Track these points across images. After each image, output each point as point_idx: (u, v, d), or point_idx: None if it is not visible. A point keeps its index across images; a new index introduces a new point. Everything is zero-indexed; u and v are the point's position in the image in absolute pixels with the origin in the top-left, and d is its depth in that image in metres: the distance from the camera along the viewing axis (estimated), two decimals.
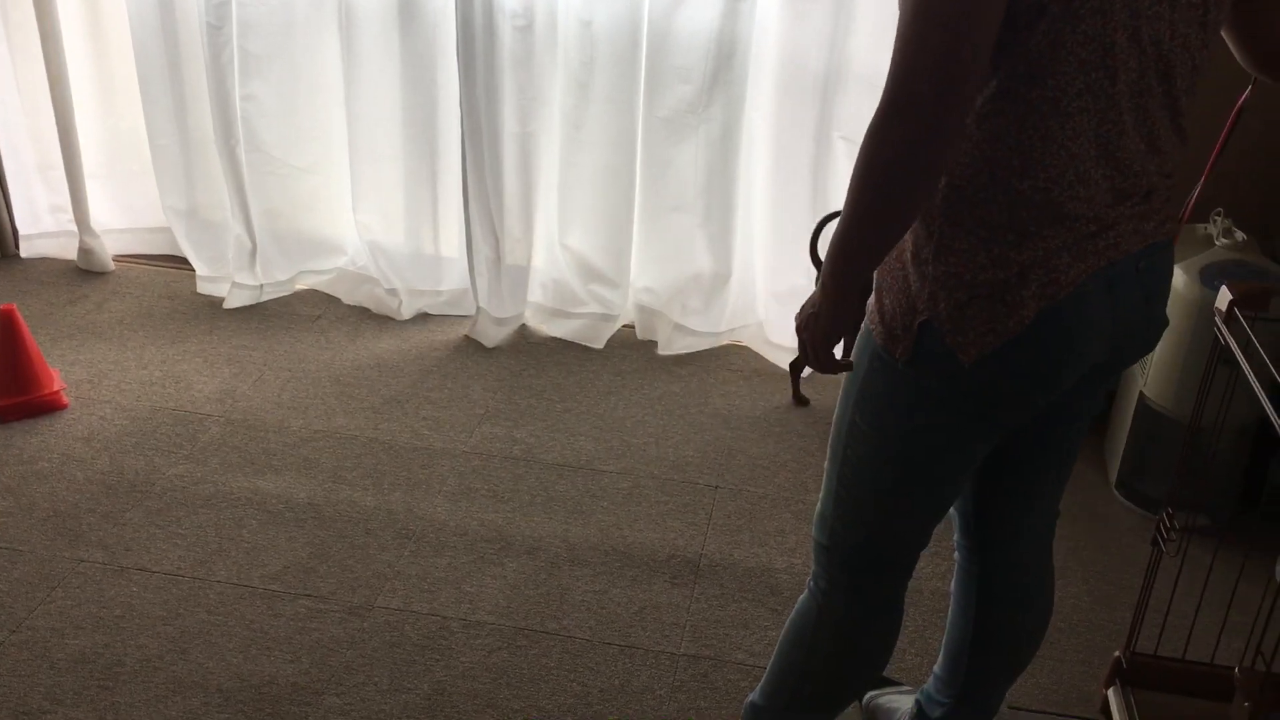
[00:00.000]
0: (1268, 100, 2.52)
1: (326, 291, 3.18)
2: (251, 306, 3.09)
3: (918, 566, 1.54)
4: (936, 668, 1.74)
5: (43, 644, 1.96)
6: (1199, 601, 1.88)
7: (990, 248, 1.20)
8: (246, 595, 2.10)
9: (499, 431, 2.62)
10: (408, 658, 1.98)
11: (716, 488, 2.48)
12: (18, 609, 2.03)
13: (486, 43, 2.68)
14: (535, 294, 3.05)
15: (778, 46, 2.66)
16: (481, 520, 2.32)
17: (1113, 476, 2.54)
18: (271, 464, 2.46)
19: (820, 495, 1.49)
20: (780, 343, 2.94)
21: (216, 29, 2.83)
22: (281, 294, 3.14)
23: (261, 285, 3.10)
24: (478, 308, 2.97)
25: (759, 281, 2.95)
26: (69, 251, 3.28)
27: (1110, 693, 1.89)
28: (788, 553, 2.28)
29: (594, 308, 2.99)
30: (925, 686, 1.77)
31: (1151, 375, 2.38)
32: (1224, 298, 1.62)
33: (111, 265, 3.25)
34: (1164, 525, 1.77)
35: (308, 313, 3.09)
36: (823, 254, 2.28)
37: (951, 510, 1.58)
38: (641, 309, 3.00)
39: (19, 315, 2.58)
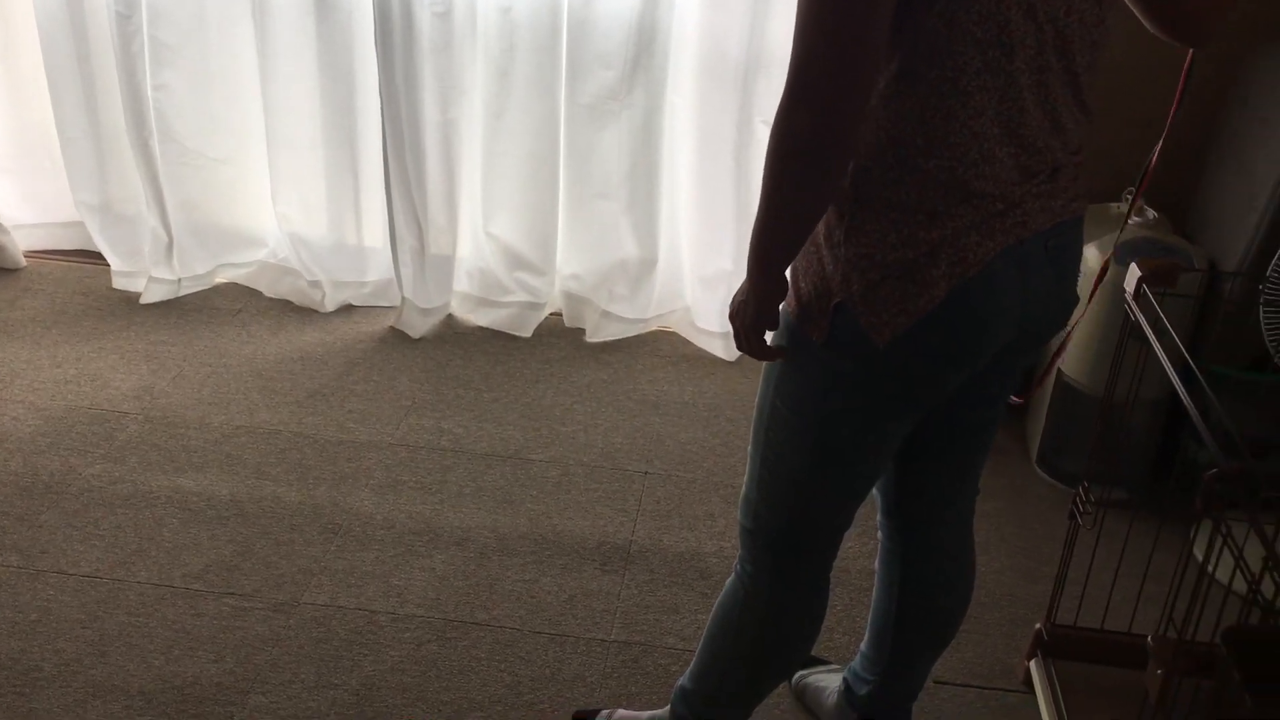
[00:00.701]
0: (1176, 79, 2.58)
1: (247, 285, 3.12)
2: (169, 301, 3.02)
3: (845, 546, 1.56)
4: (863, 646, 1.76)
5: None
6: (1115, 573, 1.93)
7: (900, 228, 1.21)
8: (168, 595, 2.06)
9: (426, 423, 2.60)
10: (335, 653, 1.95)
11: (646, 473, 2.48)
12: None
13: (405, 30, 2.65)
14: (461, 283, 3.02)
15: (698, 32, 2.66)
16: (409, 512, 2.30)
17: (1034, 453, 2.59)
18: (192, 461, 2.42)
19: (744, 479, 1.50)
20: (707, 328, 2.95)
21: (125, 18, 2.76)
22: (200, 288, 3.08)
23: (179, 279, 3.04)
24: (403, 298, 2.94)
25: (685, 267, 2.96)
26: None
27: (1032, 664, 1.93)
28: (717, 536, 2.29)
29: (521, 296, 2.97)
30: (852, 664, 1.80)
31: (1069, 353, 2.42)
32: (1133, 275, 1.66)
33: (23, 262, 3.16)
34: (1080, 499, 1.81)
35: (228, 307, 3.03)
36: None
37: (874, 490, 1.60)
38: (568, 296, 3.00)
39: None
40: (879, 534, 1.68)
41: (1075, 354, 2.40)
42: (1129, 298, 1.67)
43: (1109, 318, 2.32)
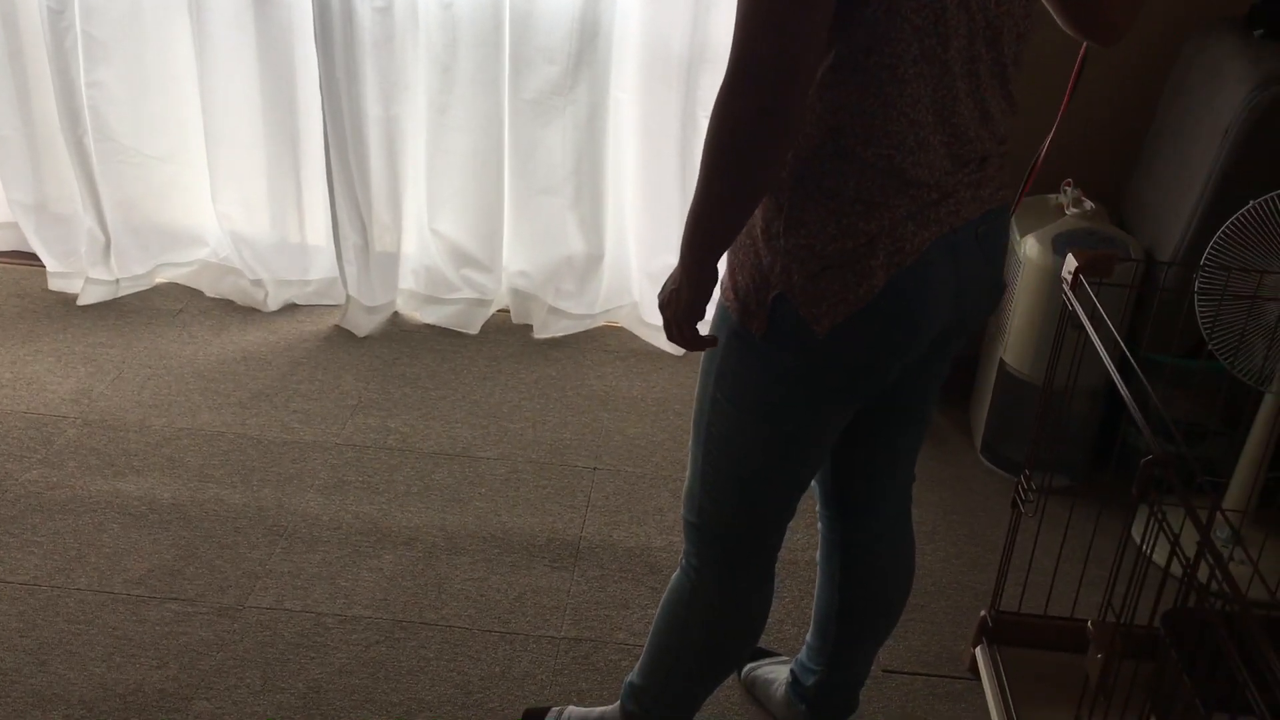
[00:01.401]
0: (1115, 71, 2.62)
1: (188, 284, 3.07)
2: (108, 302, 2.97)
3: (793, 537, 1.57)
4: (808, 636, 1.77)
5: None
6: (1058, 559, 1.95)
7: (840, 219, 1.22)
8: (109, 602, 2.02)
9: (373, 422, 2.58)
10: (281, 657, 1.93)
11: (595, 469, 2.48)
12: None
13: (345, 25, 2.62)
14: (406, 281, 3.00)
15: (640, 27, 2.66)
16: (356, 513, 2.28)
17: (978, 442, 2.62)
18: (133, 465, 2.38)
19: (687, 473, 1.50)
20: (655, 323, 2.94)
21: (58, 14, 2.70)
22: (139, 288, 3.02)
23: (118, 280, 2.98)
24: (347, 297, 2.91)
25: (632, 262, 2.95)
26: None
27: (978, 651, 1.95)
28: (666, 531, 2.30)
29: (467, 293, 2.95)
30: (799, 655, 1.81)
31: (1010, 342, 2.45)
32: (1070, 265, 1.68)
33: None
34: (1022, 486, 1.83)
35: (168, 307, 2.98)
36: None
37: (812, 481, 1.61)
38: (516, 293, 2.98)
39: None
40: (819, 525, 1.69)
41: (1016, 343, 2.44)
42: (1066, 288, 1.69)
43: (1048, 307, 2.35)
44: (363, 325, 2.91)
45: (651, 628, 1.64)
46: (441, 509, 2.31)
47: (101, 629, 1.96)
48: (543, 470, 2.46)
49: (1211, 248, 2.06)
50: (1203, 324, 2.07)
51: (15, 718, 1.79)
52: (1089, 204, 2.45)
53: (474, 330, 2.95)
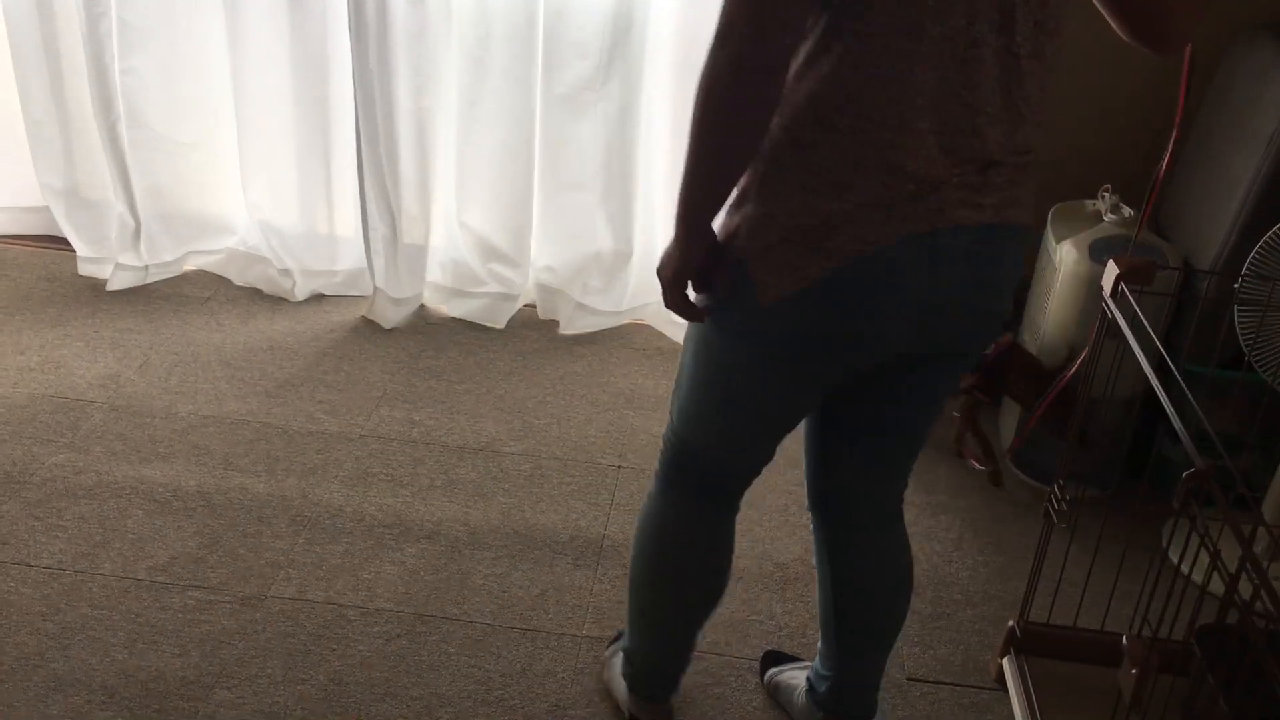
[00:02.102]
0: (1151, 77, 2.58)
1: (216, 272, 3.07)
2: (136, 289, 2.97)
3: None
4: (819, 642, 1.76)
5: None
6: (1089, 570, 1.93)
7: (806, 194, 1.21)
8: (132, 588, 2.02)
9: (397, 414, 2.57)
10: (303, 648, 1.93)
11: (619, 467, 2.46)
12: None
13: (379, 16, 2.61)
14: (434, 273, 2.99)
15: (675, 22, 2.64)
16: (379, 505, 2.27)
17: (1006, 447, 2.58)
18: (158, 451, 2.38)
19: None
20: (682, 321, 2.92)
21: (93, 0, 2.71)
22: (168, 275, 3.03)
23: (147, 266, 2.99)
24: (374, 288, 2.91)
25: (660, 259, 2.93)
26: None
27: (1005, 661, 1.92)
28: None
29: (494, 287, 2.94)
30: (814, 661, 1.79)
31: (1043, 349, 2.42)
32: (1110, 273, 1.65)
33: None
34: (1055, 497, 1.80)
35: (196, 294, 2.99)
36: None
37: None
38: (542, 288, 2.97)
39: None
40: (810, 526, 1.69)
41: (1049, 350, 2.40)
42: (1106, 296, 1.66)
43: (1082, 314, 2.32)
44: (389, 317, 2.91)
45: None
46: (465, 503, 2.30)
47: (124, 615, 1.96)
48: (567, 467, 2.45)
49: (1254, 257, 2.02)
50: (1243, 334, 2.04)
51: (37, 701, 1.79)
52: (1127, 210, 2.42)
53: (500, 325, 2.94)
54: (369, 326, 2.91)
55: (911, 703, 1.92)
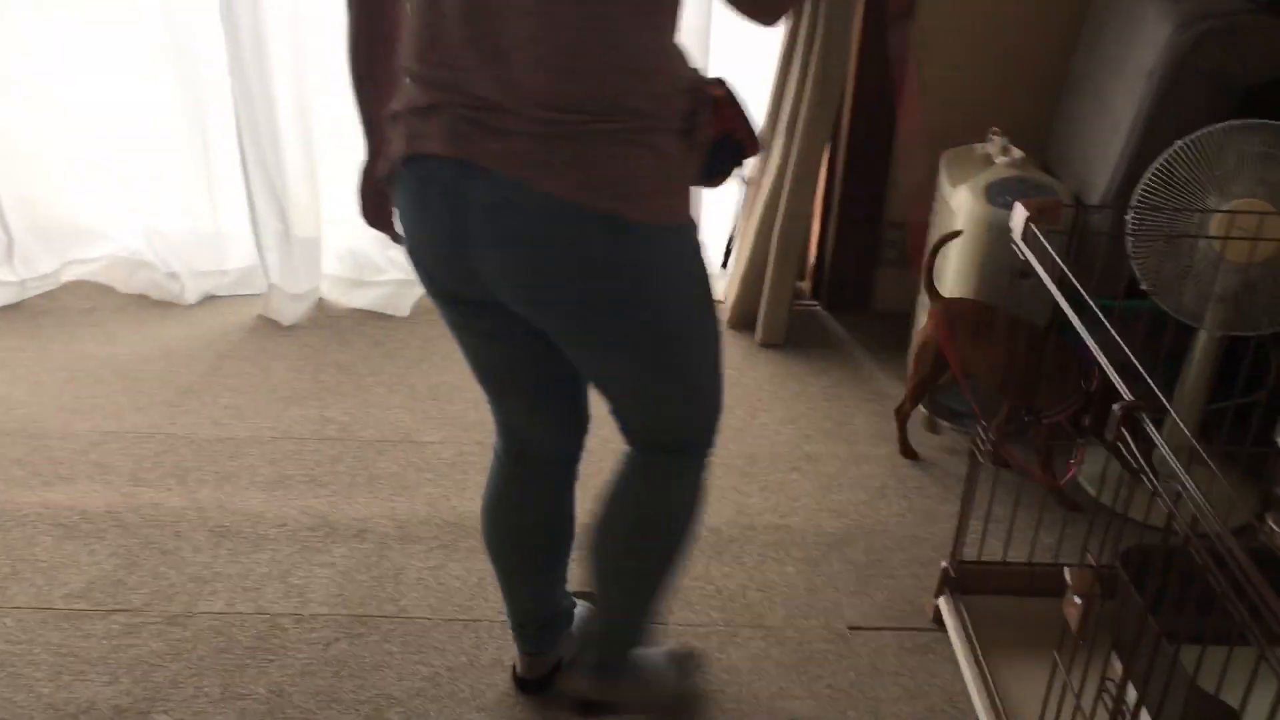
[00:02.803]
0: (1032, 18, 2.64)
1: (98, 281, 2.95)
2: (15, 305, 2.83)
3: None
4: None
5: None
6: (1014, 506, 1.98)
7: (400, 91, 1.28)
8: (50, 619, 1.93)
9: (309, 413, 2.50)
10: (239, 662, 1.87)
11: None
12: None
13: (251, 4, 2.51)
14: (330, 265, 2.91)
15: None
16: (301, 508, 2.21)
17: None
18: (60, 474, 2.27)
19: None
20: None
21: None
22: (48, 288, 2.89)
23: (23, 281, 2.85)
24: (269, 285, 2.82)
25: None
26: None
27: (941, 601, 1.97)
28: None
29: (395, 274, 2.88)
30: None
31: (947, 294, 2.47)
32: (1019, 215, 1.68)
33: None
34: (979, 437, 1.84)
35: (79, 306, 2.86)
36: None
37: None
38: None
39: None
40: None
41: (954, 296, 2.45)
42: (1016, 237, 1.69)
43: (984, 258, 2.37)
44: (288, 314, 2.83)
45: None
46: (389, 498, 2.26)
47: (44, 647, 1.88)
48: (488, 451, 2.40)
49: (1141, 189, 2.09)
50: (1136, 265, 2.10)
51: None
52: (1016, 152, 2.47)
53: (404, 312, 2.88)
54: (267, 325, 2.82)
55: (855, 651, 1.95)
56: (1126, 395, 1.31)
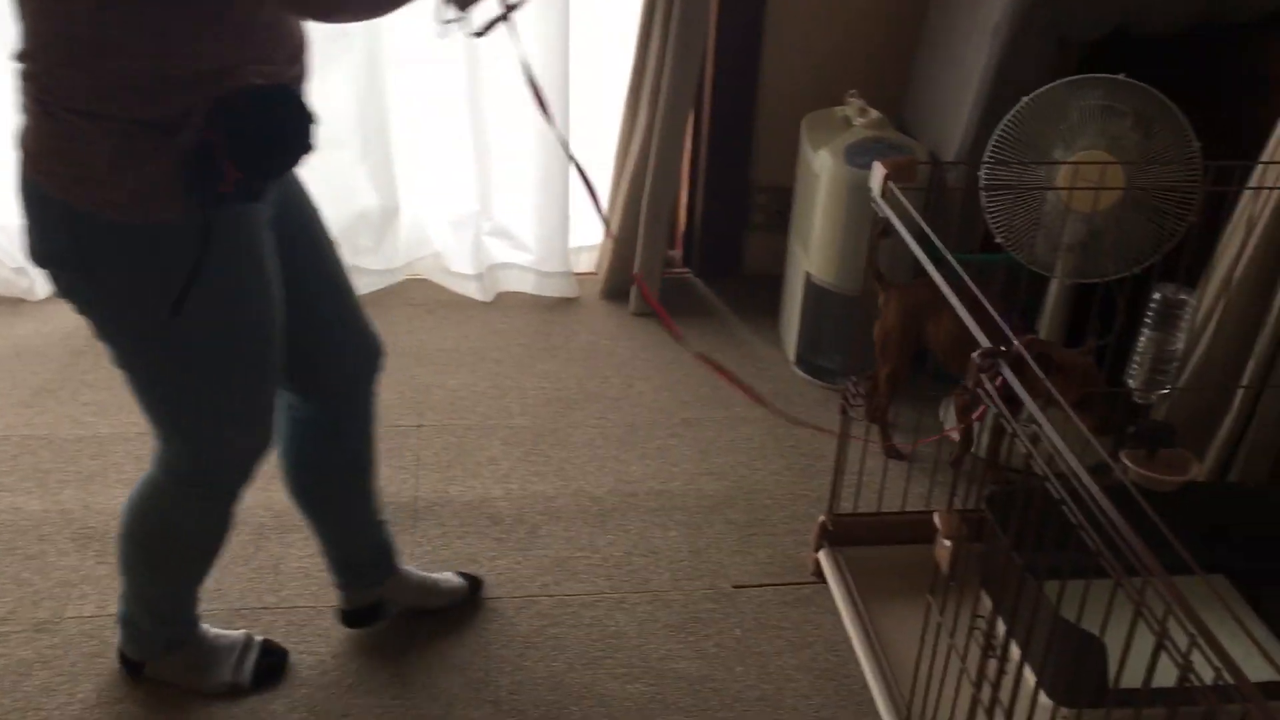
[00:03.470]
0: None
1: None
2: None
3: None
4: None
5: None
6: (885, 458, 2.05)
7: None
8: None
9: None
10: (113, 665, 1.81)
11: (420, 427, 2.41)
12: None
13: None
14: None
15: None
16: None
17: (791, 355, 2.69)
18: None
19: None
20: (461, 271, 2.88)
21: None
22: None
23: None
24: None
25: (432, 211, 2.87)
26: None
27: (821, 555, 2.02)
28: (503, 480, 2.27)
29: None
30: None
31: (814, 256, 2.52)
32: (878, 174, 1.73)
33: None
34: (849, 393, 1.89)
35: None
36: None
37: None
38: None
39: None
40: None
41: (820, 256, 2.50)
42: (876, 196, 1.74)
43: (848, 218, 2.42)
44: None
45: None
46: (264, 487, 2.18)
47: None
48: None
49: (992, 145, 2.16)
50: (990, 219, 2.18)
51: None
52: (874, 113, 2.53)
53: None
54: None
55: (740, 609, 1.99)
56: (985, 343, 1.36)
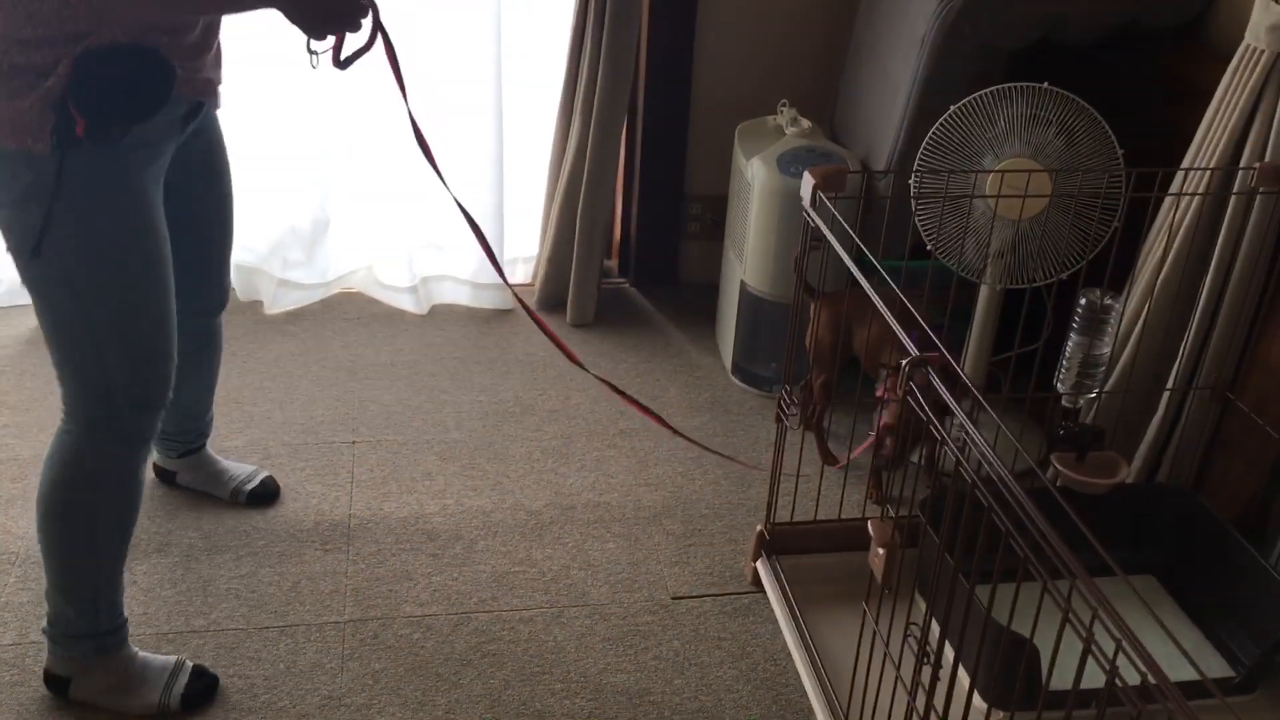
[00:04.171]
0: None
1: None
2: None
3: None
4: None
5: None
6: (822, 466, 2.05)
7: None
8: None
9: None
10: (36, 694, 1.76)
11: (353, 443, 2.38)
12: None
13: None
14: None
15: None
16: None
17: (728, 363, 2.70)
18: None
19: None
20: (393, 284, 2.85)
21: None
22: None
23: None
24: None
25: (363, 224, 2.84)
26: None
27: (759, 564, 2.02)
28: (438, 495, 2.24)
29: None
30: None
31: (748, 265, 2.52)
32: (807, 183, 1.73)
33: None
34: (784, 402, 1.89)
35: None
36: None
37: None
38: (240, 269, 2.80)
39: None
40: None
41: (755, 265, 2.51)
42: (806, 205, 1.74)
43: (782, 226, 2.43)
44: None
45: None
46: (193, 507, 2.16)
47: None
48: (298, 452, 2.34)
49: (921, 153, 2.18)
50: (920, 226, 2.20)
51: None
52: (805, 122, 2.54)
53: None
54: None
55: (678, 620, 1.98)
56: (914, 351, 1.37)
